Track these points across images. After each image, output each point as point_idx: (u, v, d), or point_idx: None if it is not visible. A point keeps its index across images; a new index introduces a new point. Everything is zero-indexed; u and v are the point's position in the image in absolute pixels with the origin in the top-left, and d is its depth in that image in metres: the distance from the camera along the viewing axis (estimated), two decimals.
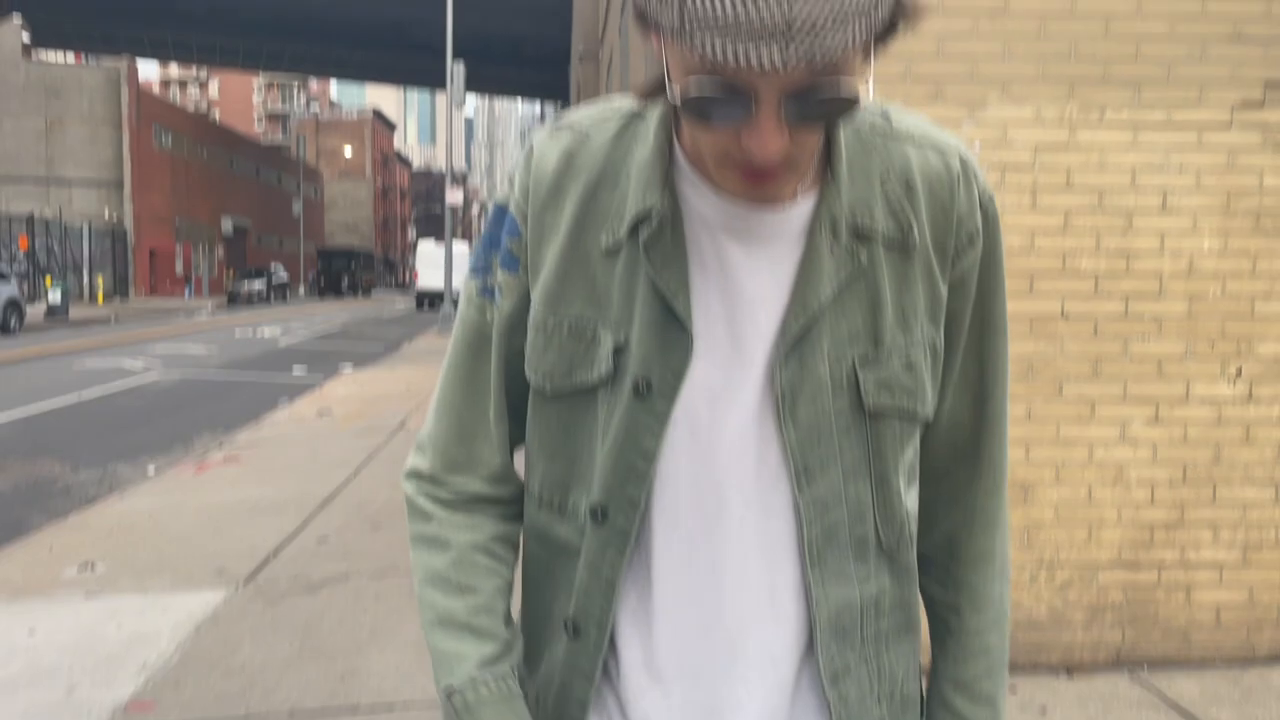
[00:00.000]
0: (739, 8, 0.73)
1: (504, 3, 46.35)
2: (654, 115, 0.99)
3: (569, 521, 1.04)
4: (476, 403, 1.08)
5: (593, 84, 23.86)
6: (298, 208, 64.18)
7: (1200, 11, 3.56)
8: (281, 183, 69.03)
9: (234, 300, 44.11)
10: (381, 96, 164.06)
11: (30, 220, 35.01)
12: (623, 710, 1.04)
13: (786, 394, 0.96)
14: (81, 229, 39.38)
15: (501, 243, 1.05)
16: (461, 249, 36.27)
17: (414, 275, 45.66)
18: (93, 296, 38.31)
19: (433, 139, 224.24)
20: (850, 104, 0.82)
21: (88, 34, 55.85)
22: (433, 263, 38.73)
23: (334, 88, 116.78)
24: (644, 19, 0.83)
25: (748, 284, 0.97)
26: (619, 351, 0.98)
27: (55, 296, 27.74)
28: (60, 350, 19.08)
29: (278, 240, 66.69)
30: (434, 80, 61.28)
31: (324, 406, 11.33)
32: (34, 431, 10.11)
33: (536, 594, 1.10)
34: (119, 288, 41.86)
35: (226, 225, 55.75)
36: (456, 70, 23.07)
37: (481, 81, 57.16)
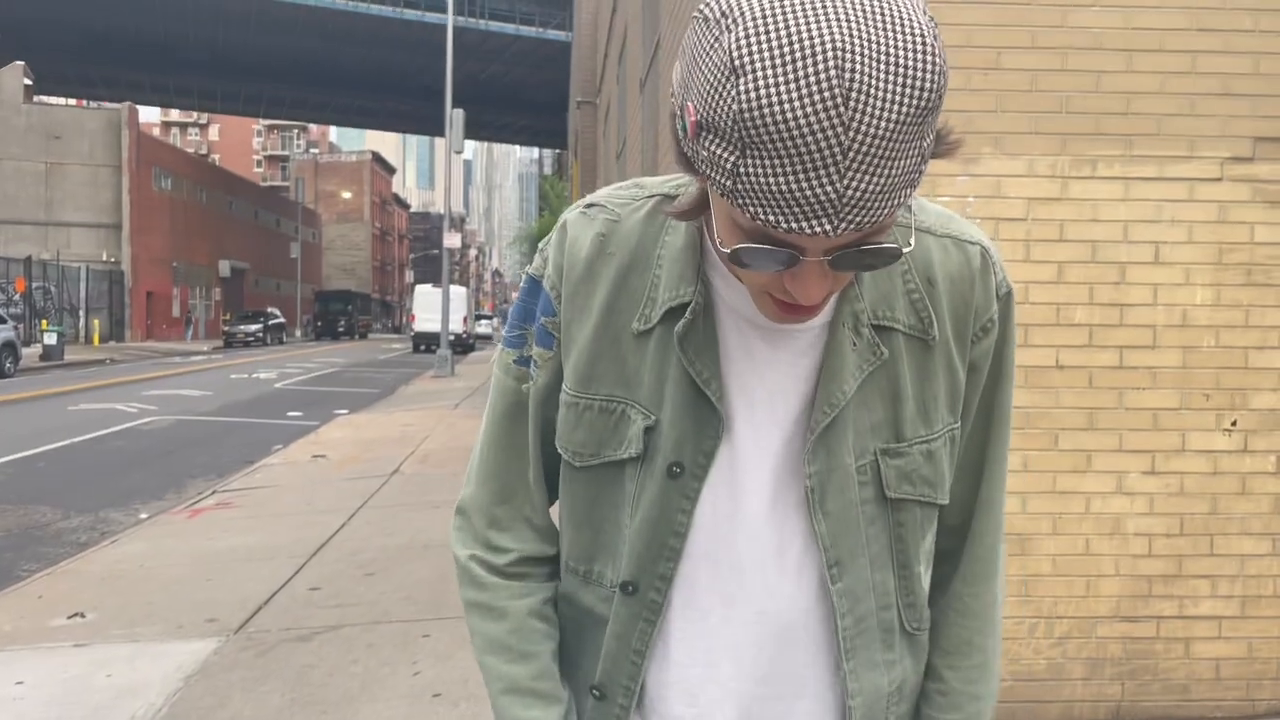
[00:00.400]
0: (794, 184, 0.74)
1: (503, 50, 46.94)
2: (686, 226, 1.02)
3: (594, 589, 1.08)
4: (516, 466, 1.12)
5: (591, 130, 24.10)
6: (296, 250, 64.43)
7: (1190, 68, 3.61)
8: (280, 225, 69.35)
9: (230, 343, 44.10)
10: (381, 140, 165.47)
11: (28, 262, 35.09)
12: None
13: (816, 487, 0.99)
14: (79, 271, 39.46)
15: (536, 318, 1.08)
16: (459, 292, 36.36)
17: (411, 318, 45.72)
18: (89, 338, 38.29)
19: (431, 182, 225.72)
20: (893, 256, 0.83)
21: (90, 79, 56.44)
22: (430, 306, 38.77)
23: (333, 131, 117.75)
24: (691, 168, 0.84)
25: (770, 375, 1.00)
26: (649, 431, 1.01)
27: (51, 339, 27.74)
28: (54, 393, 19.04)
29: (275, 283, 66.85)
30: (433, 127, 61.89)
31: (319, 451, 11.29)
32: (26, 475, 10.06)
33: (564, 653, 1.14)
34: (115, 330, 41.86)
35: (224, 268, 55.90)
36: (456, 117, 23.28)
37: (480, 127, 57.71)
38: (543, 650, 1.10)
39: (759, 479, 1.01)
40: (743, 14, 0.75)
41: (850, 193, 0.74)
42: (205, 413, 16.06)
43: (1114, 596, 3.71)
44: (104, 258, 42.47)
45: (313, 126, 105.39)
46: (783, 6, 0.74)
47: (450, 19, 25.28)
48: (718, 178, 0.79)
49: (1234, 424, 3.69)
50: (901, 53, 0.73)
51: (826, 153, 0.73)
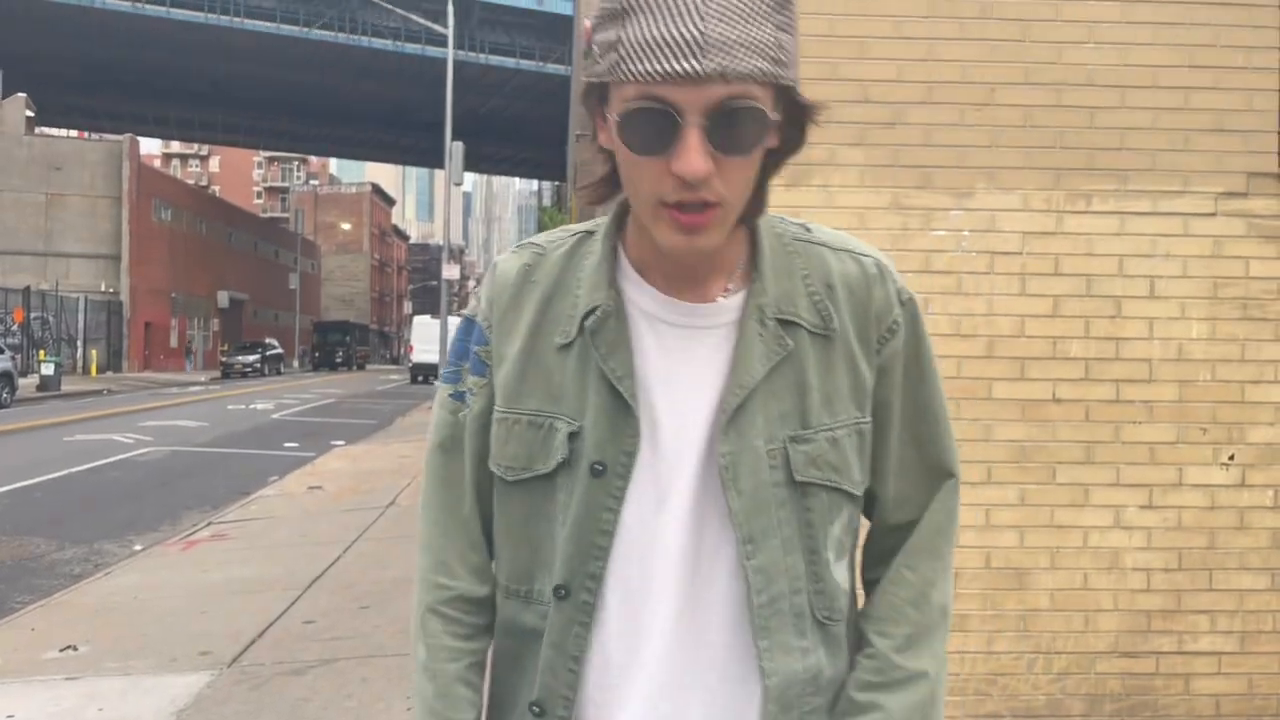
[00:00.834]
0: (664, 30, 0.91)
1: (503, 84, 47.32)
2: (602, 231, 1.12)
3: (535, 608, 1.11)
4: (451, 502, 1.18)
5: (590, 163, 24.21)
6: (294, 281, 64.51)
7: (1183, 104, 3.64)
8: (279, 256, 69.52)
9: (228, 374, 44.04)
10: (380, 172, 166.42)
11: (26, 293, 35.12)
12: None
13: (729, 465, 1.05)
14: (78, 301, 39.49)
15: (471, 352, 1.16)
16: (457, 323, 36.32)
17: (409, 349, 45.70)
18: (86, 369, 38.25)
19: (431, 214, 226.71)
20: (760, 116, 0.95)
21: (92, 111, 56.79)
22: (428, 338, 38.78)
23: (333, 163, 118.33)
24: (589, 98, 1.00)
25: (686, 370, 1.07)
26: (574, 437, 1.07)
27: (48, 369, 27.72)
28: (51, 423, 19.00)
29: (274, 314, 66.91)
30: (433, 159, 62.24)
31: (315, 482, 11.25)
32: (21, 506, 10.02)
33: (503, 685, 1.16)
34: (113, 361, 41.82)
35: (223, 298, 55.94)
36: (455, 150, 23.42)
37: (480, 160, 58.08)
38: (463, 717, 1.15)
39: (684, 473, 1.06)
40: None
41: (711, 35, 0.90)
42: (201, 444, 16.03)
43: (1113, 631, 3.69)
44: (103, 288, 42.51)
45: (313, 158, 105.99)
46: None
47: (450, 53, 25.50)
48: (607, 62, 0.94)
49: (1231, 458, 3.69)
50: None
51: (689, 4, 0.90)
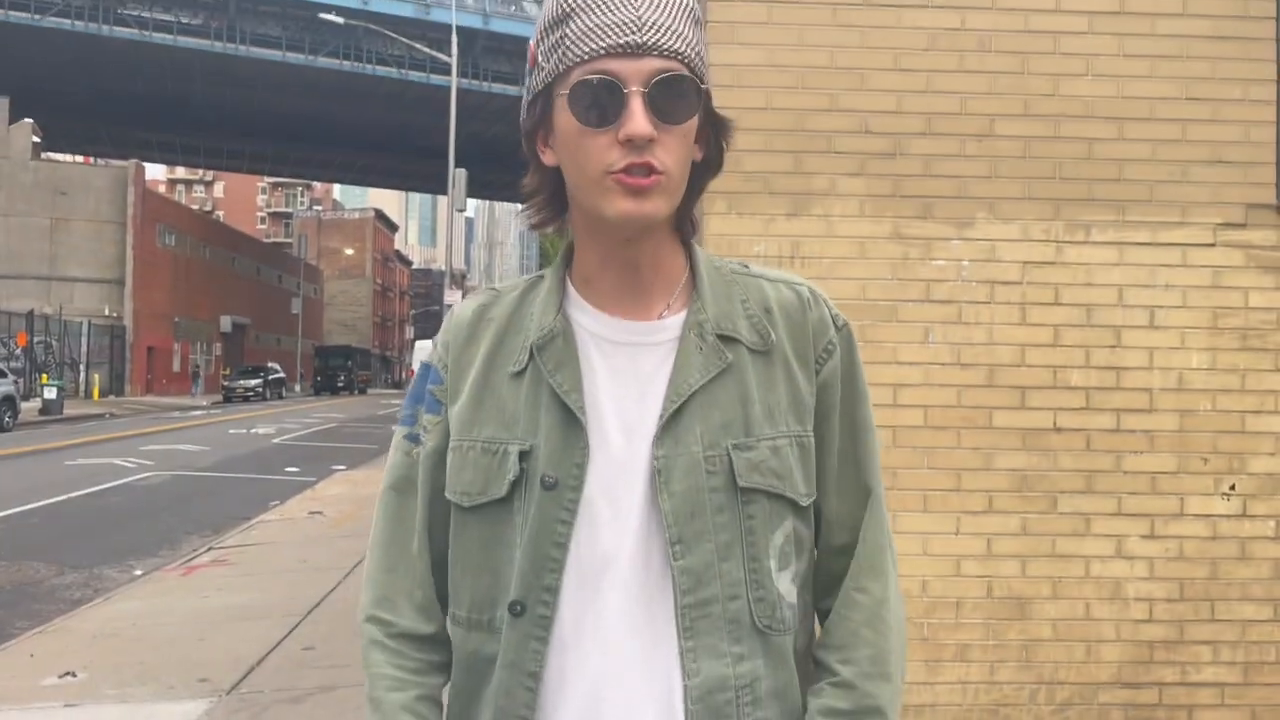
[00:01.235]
0: (603, 17, 1.04)
1: (506, 111, 47.59)
2: (550, 274, 1.20)
3: (498, 637, 1.12)
4: (400, 539, 1.20)
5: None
6: (297, 306, 64.65)
7: (1180, 136, 3.67)
8: (282, 281, 69.71)
9: (229, 398, 44.02)
10: (383, 197, 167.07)
11: (30, 316, 35.20)
12: None
13: (663, 468, 1.09)
14: (81, 326, 39.56)
15: (426, 393, 1.20)
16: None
17: (409, 374, 45.68)
18: (88, 393, 38.27)
19: (433, 239, 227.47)
20: (694, 86, 1.06)
21: (98, 136, 57.16)
22: None
23: (337, 189, 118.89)
24: (532, 113, 1.12)
25: (633, 385, 1.12)
26: (524, 455, 1.11)
27: (51, 393, 27.73)
28: (52, 447, 19.00)
29: (276, 338, 67.00)
30: (436, 185, 62.56)
31: (316, 507, 11.23)
32: (21, 531, 10.00)
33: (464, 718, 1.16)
34: (115, 385, 41.85)
35: (225, 323, 56.05)
36: (458, 176, 23.54)
37: (483, 186, 58.31)
38: None
39: (634, 485, 1.10)
40: None
41: (645, 16, 1.04)
42: (203, 468, 16.01)
43: (1115, 662, 3.67)
44: (106, 312, 42.62)
45: (316, 184, 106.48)
46: None
47: (454, 81, 25.69)
48: (552, 61, 1.07)
49: (1232, 488, 3.69)
50: None
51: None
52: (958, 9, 3.66)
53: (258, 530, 9.92)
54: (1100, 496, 3.66)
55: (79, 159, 60.29)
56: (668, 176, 1.06)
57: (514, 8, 47.75)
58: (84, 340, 39.72)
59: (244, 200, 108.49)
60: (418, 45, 31.24)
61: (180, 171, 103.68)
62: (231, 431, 24.56)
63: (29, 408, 27.09)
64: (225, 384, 45.84)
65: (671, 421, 1.09)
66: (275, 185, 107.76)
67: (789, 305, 1.17)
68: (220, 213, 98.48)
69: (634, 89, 1.03)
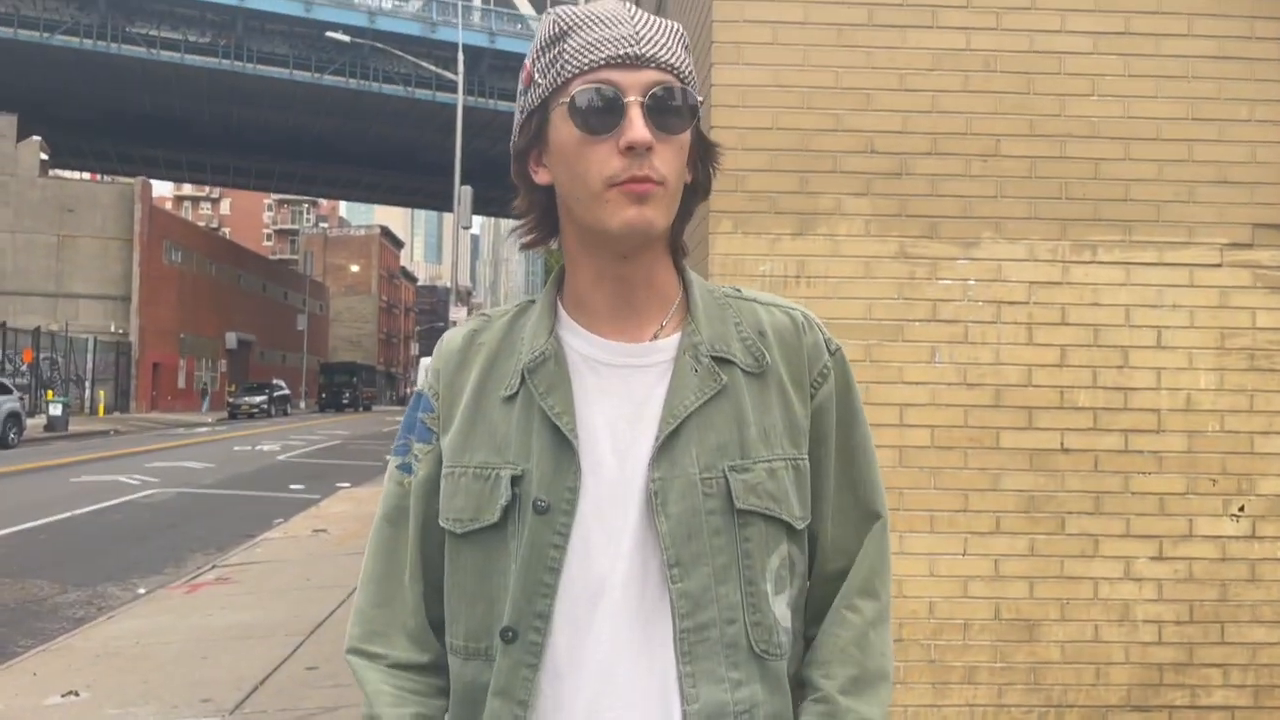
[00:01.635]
0: (603, 34, 1.07)
1: (511, 129, 47.75)
2: (542, 297, 1.20)
3: (493, 665, 1.10)
4: (393, 570, 1.20)
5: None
6: (302, 322, 64.75)
7: (1187, 156, 3.67)
8: (288, 298, 69.86)
9: (235, 414, 44.06)
10: (389, 214, 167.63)
11: (36, 333, 35.29)
12: None
13: (659, 490, 1.08)
14: (87, 342, 39.65)
15: (418, 422, 1.20)
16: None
17: (414, 390, 45.60)
18: (94, 409, 38.32)
19: (439, 256, 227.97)
20: (690, 98, 1.09)
21: (105, 153, 57.46)
22: None
23: (343, 206, 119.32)
24: (525, 133, 1.13)
25: (626, 407, 1.11)
26: (516, 480, 1.10)
27: (56, 410, 27.76)
28: (57, 464, 19.01)
29: (281, 354, 67.09)
30: (442, 202, 62.70)
31: (320, 525, 11.21)
32: (25, 548, 9.99)
33: None
34: (120, 401, 41.90)
35: (231, 339, 56.14)
36: (464, 193, 23.62)
37: (488, 203, 58.44)
38: None
39: (628, 509, 1.08)
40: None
41: (641, 32, 1.07)
42: (207, 485, 16.01)
43: (1125, 685, 3.64)
44: (112, 329, 42.72)
45: (322, 201, 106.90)
46: None
47: (460, 99, 25.81)
48: (550, 76, 1.09)
49: (1242, 509, 3.66)
50: None
51: (620, 14, 1.08)
52: (963, 30, 3.67)
53: (262, 548, 9.90)
54: (1108, 517, 3.64)
55: (86, 176, 60.63)
56: (666, 186, 1.07)
57: (520, 26, 48.00)
58: (89, 357, 39.79)
59: (250, 217, 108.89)
60: (424, 63, 31.40)
61: (187, 188, 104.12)
62: (236, 448, 24.56)
63: (34, 424, 27.12)
64: (231, 401, 45.88)
65: (668, 443, 1.09)
66: (281, 202, 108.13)
67: (783, 329, 1.18)
68: (226, 229, 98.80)
69: (633, 98, 1.05)
